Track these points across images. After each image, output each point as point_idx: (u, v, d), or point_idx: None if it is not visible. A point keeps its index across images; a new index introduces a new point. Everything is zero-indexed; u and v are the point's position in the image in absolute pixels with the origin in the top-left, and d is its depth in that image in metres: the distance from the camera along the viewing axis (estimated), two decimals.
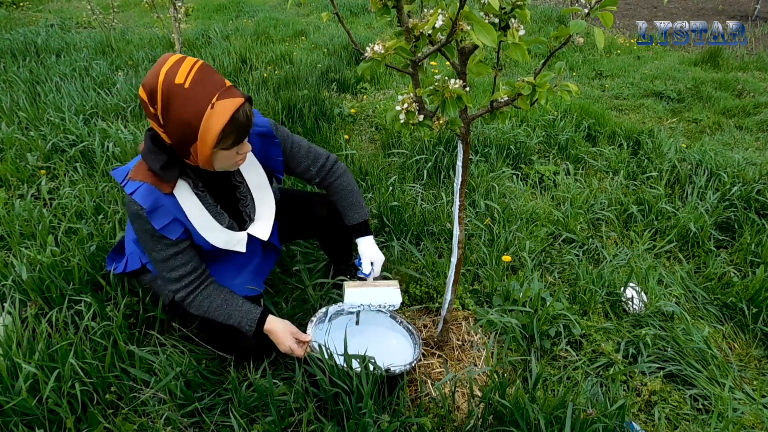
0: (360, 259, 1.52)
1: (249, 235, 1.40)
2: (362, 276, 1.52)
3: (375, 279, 1.52)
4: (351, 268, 1.75)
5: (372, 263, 1.51)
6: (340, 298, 1.64)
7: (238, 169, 1.36)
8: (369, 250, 1.51)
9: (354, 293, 1.43)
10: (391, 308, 1.46)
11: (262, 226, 1.42)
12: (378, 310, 1.52)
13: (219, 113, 1.07)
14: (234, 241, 1.36)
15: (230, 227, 1.35)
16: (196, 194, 1.27)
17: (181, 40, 3.82)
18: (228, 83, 1.12)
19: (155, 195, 1.19)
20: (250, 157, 1.36)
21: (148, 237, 1.23)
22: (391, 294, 1.45)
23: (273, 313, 1.40)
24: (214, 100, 1.07)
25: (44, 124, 2.82)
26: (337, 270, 1.76)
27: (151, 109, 1.09)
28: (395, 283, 1.47)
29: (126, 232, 1.51)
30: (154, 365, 1.39)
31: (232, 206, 1.37)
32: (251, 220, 1.42)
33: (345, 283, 1.46)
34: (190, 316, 1.41)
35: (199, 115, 1.07)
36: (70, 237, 1.83)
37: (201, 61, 1.10)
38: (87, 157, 2.50)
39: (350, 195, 1.52)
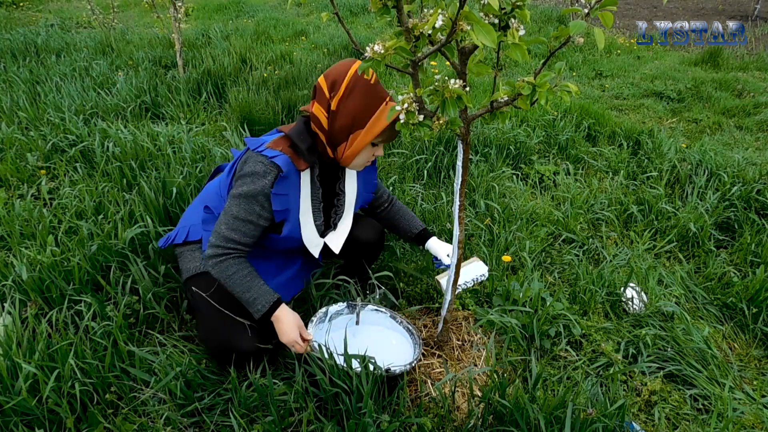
0: (435, 258, 1.68)
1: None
2: (444, 267, 1.67)
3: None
4: (368, 289, 1.77)
5: (448, 254, 1.63)
6: (340, 298, 1.64)
7: (344, 180, 1.52)
8: (441, 246, 1.67)
9: (445, 280, 1.53)
10: (482, 278, 1.63)
11: (337, 239, 1.56)
12: (377, 309, 1.53)
13: (389, 108, 1.28)
14: (314, 242, 1.49)
15: (318, 227, 1.48)
16: (312, 183, 1.42)
17: (181, 40, 3.81)
18: None
19: (291, 167, 1.34)
20: (353, 176, 1.54)
21: (247, 196, 1.31)
22: (477, 267, 1.61)
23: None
24: (388, 99, 1.30)
25: (44, 124, 2.82)
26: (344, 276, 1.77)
27: (327, 95, 1.27)
28: (475, 258, 1.62)
29: (194, 208, 1.59)
30: (154, 365, 1.39)
31: (327, 210, 1.52)
32: (334, 228, 1.55)
33: (437, 277, 1.65)
34: (194, 296, 1.44)
35: (376, 107, 1.28)
36: (70, 237, 1.83)
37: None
38: (87, 157, 2.50)
39: (408, 212, 1.76)
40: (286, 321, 1.32)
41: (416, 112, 1.00)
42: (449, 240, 1.90)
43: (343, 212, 1.55)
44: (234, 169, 1.42)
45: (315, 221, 1.46)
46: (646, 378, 1.56)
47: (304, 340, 1.35)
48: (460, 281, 1.57)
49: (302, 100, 3.22)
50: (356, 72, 1.25)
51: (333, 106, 1.27)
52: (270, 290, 1.35)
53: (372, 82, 1.26)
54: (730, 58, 5.71)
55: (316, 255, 1.52)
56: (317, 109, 1.30)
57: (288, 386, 1.38)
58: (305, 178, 1.39)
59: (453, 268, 1.37)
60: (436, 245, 1.67)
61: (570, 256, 2.06)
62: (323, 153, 1.37)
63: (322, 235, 1.52)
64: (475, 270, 1.65)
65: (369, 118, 1.27)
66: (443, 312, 1.51)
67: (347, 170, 1.51)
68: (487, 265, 1.61)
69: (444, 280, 1.60)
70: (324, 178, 1.46)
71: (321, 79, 1.28)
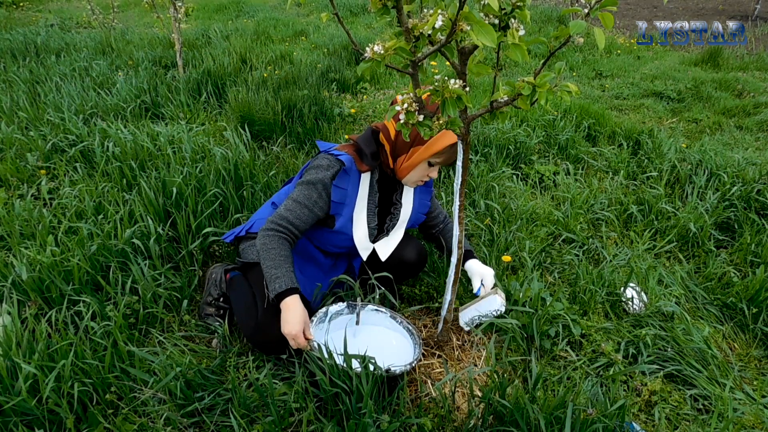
0: (473, 280, 1.68)
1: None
2: (477, 294, 1.66)
3: (488, 290, 1.66)
4: (361, 282, 1.77)
5: (482, 280, 1.66)
6: (346, 298, 1.64)
7: (401, 192, 1.61)
8: (478, 269, 1.68)
9: (469, 312, 1.62)
10: (498, 312, 1.60)
11: (387, 247, 1.62)
12: (378, 309, 1.53)
13: (450, 134, 1.38)
14: (364, 245, 1.57)
15: (372, 231, 1.57)
16: (371, 186, 1.53)
17: (181, 40, 3.81)
18: None
19: (353, 165, 1.48)
20: (409, 192, 1.63)
21: (309, 183, 1.45)
22: (492, 301, 1.59)
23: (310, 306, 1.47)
24: None
25: (44, 124, 2.82)
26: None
27: None
28: (494, 290, 1.62)
29: (264, 207, 1.71)
30: (154, 365, 1.39)
31: (382, 217, 1.61)
32: (387, 234, 1.63)
33: (460, 308, 1.66)
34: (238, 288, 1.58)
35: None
36: (70, 237, 1.83)
37: None
38: (87, 157, 2.50)
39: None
40: (293, 312, 1.32)
41: (416, 112, 1.00)
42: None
43: (397, 222, 1.63)
44: (304, 170, 1.56)
45: (369, 223, 1.55)
46: (646, 378, 1.56)
47: (306, 338, 1.35)
48: (475, 314, 1.60)
49: (302, 100, 3.22)
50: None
51: None
52: (294, 278, 1.38)
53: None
54: (730, 58, 5.71)
55: (365, 257, 1.58)
56: (390, 123, 1.45)
57: (288, 386, 1.38)
58: (365, 178, 1.51)
59: (453, 268, 1.37)
60: (475, 267, 1.68)
61: (570, 256, 2.06)
62: (384, 163, 1.50)
63: (374, 240, 1.59)
64: (489, 305, 1.60)
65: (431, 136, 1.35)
66: (443, 312, 1.51)
67: (405, 186, 1.61)
68: (503, 301, 1.60)
69: (462, 313, 1.63)
70: (383, 186, 1.58)
71: (398, 95, 1.38)
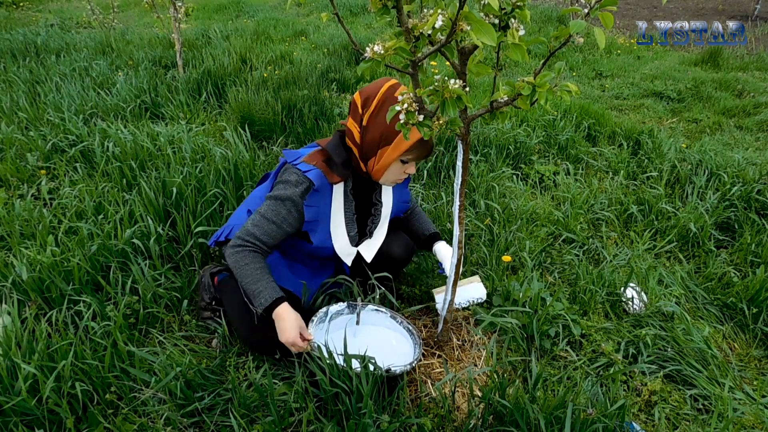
0: (441, 264, 1.65)
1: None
2: (445, 275, 1.62)
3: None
4: (368, 289, 1.76)
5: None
6: (342, 297, 1.64)
7: (382, 192, 1.56)
8: (448, 251, 1.65)
9: (442, 297, 1.53)
10: (479, 300, 1.57)
11: (371, 248, 1.58)
12: (378, 309, 1.53)
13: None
14: (346, 252, 1.52)
15: (353, 238, 1.52)
16: (345, 195, 1.46)
17: (181, 40, 3.81)
18: None
19: (323, 181, 1.40)
20: (389, 190, 1.58)
21: (277, 199, 1.38)
22: (475, 289, 1.57)
23: (301, 309, 1.45)
24: None
25: (44, 124, 2.82)
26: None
27: (360, 111, 1.34)
28: (476, 278, 1.58)
29: (240, 210, 1.63)
30: (154, 365, 1.39)
31: (363, 220, 1.56)
32: (370, 236, 1.58)
33: (433, 290, 1.62)
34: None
35: None
36: (70, 237, 1.83)
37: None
38: (87, 157, 2.50)
39: (424, 216, 1.79)
40: (287, 320, 1.32)
41: (416, 112, 1.00)
42: (449, 240, 1.89)
43: (379, 222, 1.59)
44: (275, 177, 1.50)
45: (349, 232, 1.50)
46: (646, 378, 1.56)
47: (304, 339, 1.35)
48: (456, 300, 1.57)
49: (302, 100, 3.22)
50: (388, 89, 1.31)
51: (365, 122, 1.33)
52: (276, 288, 1.35)
53: None
54: (730, 58, 5.71)
55: (349, 263, 1.55)
56: (351, 124, 1.37)
57: (288, 386, 1.38)
58: (338, 190, 1.44)
59: (453, 268, 1.37)
60: (443, 249, 1.66)
61: (570, 256, 2.06)
62: (357, 167, 1.43)
63: (357, 243, 1.55)
64: (472, 291, 1.63)
65: (396, 134, 1.31)
66: (443, 312, 1.51)
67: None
68: (486, 288, 1.58)
69: (440, 296, 1.61)
70: (359, 190, 1.51)
71: (356, 95, 1.35)
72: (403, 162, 1.39)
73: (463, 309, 1.66)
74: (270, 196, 1.40)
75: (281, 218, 1.38)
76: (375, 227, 1.59)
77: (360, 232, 1.56)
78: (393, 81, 1.34)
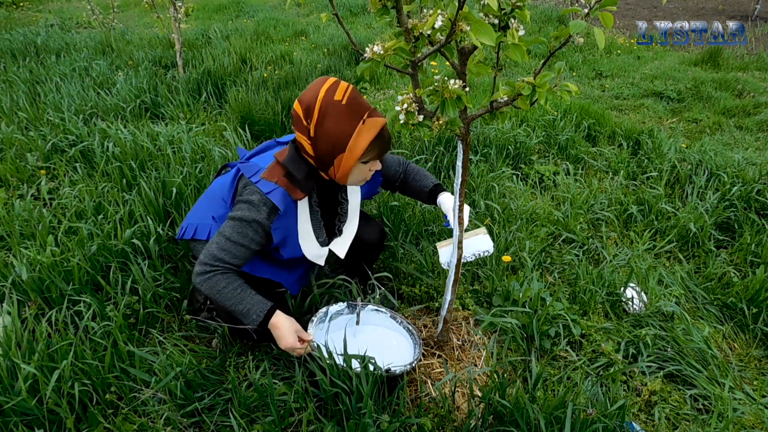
0: (446, 216, 1.56)
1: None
2: (450, 227, 1.54)
3: (465, 230, 1.55)
4: (368, 289, 1.77)
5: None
6: (342, 297, 1.64)
7: (347, 189, 1.51)
8: (451, 201, 1.57)
9: (447, 251, 1.48)
10: (486, 254, 1.51)
11: (343, 245, 1.55)
12: (378, 309, 1.53)
13: (369, 128, 1.24)
14: (317, 255, 1.49)
15: (322, 243, 1.48)
16: (311, 208, 1.41)
17: (181, 40, 3.81)
18: (371, 106, 1.27)
19: (287, 200, 1.32)
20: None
21: (242, 221, 1.30)
22: (481, 241, 1.50)
23: (289, 310, 1.44)
24: (365, 116, 1.24)
25: (44, 124, 2.82)
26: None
27: (304, 122, 1.24)
28: (482, 230, 1.53)
29: (201, 207, 1.56)
30: (154, 365, 1.39)
31: (330, 220, 1.51)
32: (339, 234, 1.55)
33: (437, 244, 1.54)
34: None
35: (352, 129, 1.22)
36: (70, 237, 1.83)
37: (352, 86, 1.25)
38: (87, 157, 2.50)
39: (421, 170, 1.68)
40: (283, 327, 1.31)
41: (416, 113, 1.00)
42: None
43: (347, 218, 1.55)
44: (236, 183, 1.40)
45: (318, 238, 1.47)
46: (646, 378, 1.56)
47: (303, 341, 1.35)
48: (465, 254, 1.49)
49: None
50: (326, 93, 1.21)
51: (312, 133, 1.24)
52: (262, 299, 1.32)
53: (344, 102, 1.21)
54: (730, 58, 5.71)
55: (322, 264, 1.53)
56: (299, 137, 1.28)
57: (288, 386, 1.38)
58: (303, 205, 1.39)
59: (453, 268, 1.37)
60: (447, 201, 1.57)
61: (570, 256, 2.06)
62: (318, 174, 1.36)
63: (328, 243, 1.52)
64: (479, 244, 1.54)
65: (347, 140, 1.23)
66: (443, 312, 1.51)
67: None
68: (492, 242, 1.50)
69: (443, 250, 1.52)
70: (324, 195, 1.46)
71: (296, 105, 1.26)
72: (365, 162, 1.31)
73: (471, 261, 1.54)
74: (234, 217, 1.31)
75: (248, 240, 1.31)
76: (344, 225, 1.55)
77: (329, 232, 1.52)
78: (329, 82, 1.24)
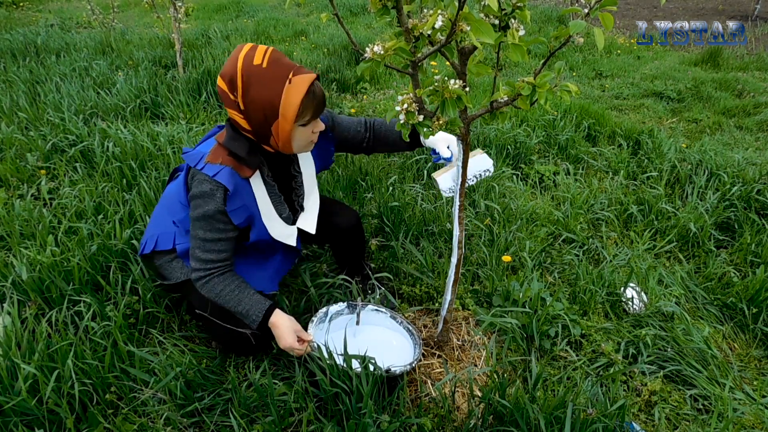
0: (434, 151, 1.52)
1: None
2: (442, 162, 1.51)
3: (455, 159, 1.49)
4: (362, 281, 1.76)
5: (448, 146, 1.51)
6: (342, 297, 1.64)
7: (298, 159, 1.44)
8: (440, 136, 1.51)
9: (446, 178, 1.43)
10: (487, 174, 1.45)
11: (310, 219, 1.50)
12: (378, 309, 1.54)
13: (297, 87, 1.17)
14: (286, 234, 1.44)
15: (286, 219, 1.43)
16: (266, 182, 1.36)
17: (181, 40, 3.81)
18: (298, 63, 1.20)
19: (236, 178, 1.27)
20: (306, 154, 1.46)
21: (207, 216, 1.27)
22: (481, 161, 1.45)
23: (282, 309, 1.42)
24: (290, 75, 1.17)
25: (44, 124, 2.82)
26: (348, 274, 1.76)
27: (231, 96, 1.18)
28: (478, 150, 1.47)
29: (158, 215, 1.51)
30: (154, 365, 1.39)
31: (288, 195, 1.45)
32: (302, 209, 1.49)
33: (433, 174, 1.45)
34: (198, 301, 1.42)
35: (279, 91, 1.16)
36: (70, 237, 1.83)
37: (272, 48, 1.19)
38: (87, 157, 2.50)
39: (390, 123, 1.59)
40: (282, 326, 1.31)
41: (416, 113, 1.00)
42: (449, 240, 1.89)
43: (304, 191, 1.49)
44: (186, 179, 1.38)
45: (281, 215, 1.42)
46: (646, 378, 1.56)
47: (303, 341, 1.35)
48: (468, 176, 1.42)
49: None
50: (244, 60, 1.15)
51: (241, 105, 1.19)
52: (261, 298, 1.33)
53: (265, 65, 1.15)
54: (730, 58, 5.71)
55: (293, 243, 1.47)
56: (231, 113, 1.22)
57: (288, 386, 1.38)
58: (256, 181, 1.33)
59: (453, 269, 1.37)
60: (433, 137, 1.48)
61: (570, 256, 2.06)
62: (263, 149, 1.32)
63: (293, 221, 1.48)
64: (479, 164, 1.47)
65: (278, 105, 1.17)
66: (443, 312, 1.51)
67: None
68: (491, 159, 1.43)
69: (441, 177, 1.44)
70: (276, 168, 1.40)
71: (219, 81, 1.19)
72: (304, 125, 1.25)
73: (474, 182, 1.48)
74: (196, 216, 1.28)
75: (221, 231, 1.30)
76: (302, 199, 1.49)
77: (291, 208, 1.47)
78: (246, 48, 1.18)
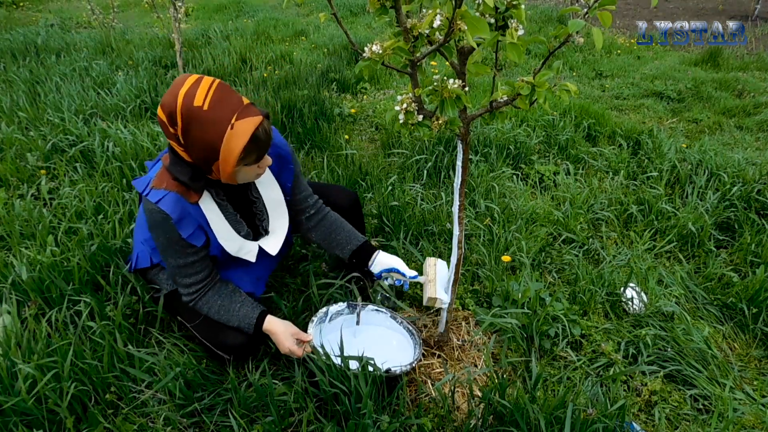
0: (398, 270, 1.51)
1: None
2: (416, 280, 1.52)
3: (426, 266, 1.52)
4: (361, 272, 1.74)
5: (405, 275, 1.50)
6: (342, 297, 1.64)
7: (255, 185, 1.38)
8: (394, 258, 1.52)
9: (438, 289, 1.43)
10: (450, 279, 1.43)
11: (274, 242, 1.44)
12: (378, 309, 1.54)
13: (239, 134, 1.09)
14: (245, 250, 1.38)
15: (246, 236, 1.37)
16: (218, 203, 1.29)
17: (181, 40, 3.81)
18: (246, 101, 1.13)
19: (182, 204, 1.21)
20: (268, 174, 1.39)
21: (169, 244, 1.25)
22: (442, 267, 1.50)
23: (281, 311, 1.42)
24: (233, 120, 1.09)
25: (44, 124, 2.82)
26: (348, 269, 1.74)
27: (171, 130, 1.11)
28: (433, 260, 1.51)
29: (135, 233, 1.51)
30: (154, 365, 1.39)
31: (249, 219, 1.40)
32: (267, 233, 1.44)
33: (426, 303, 1.44)
34: (189, 313, 1.41)
35: (220, 136, 1.09)
36: (70, 237, 1.83)
37: (218, 81, 1.11)
38: (87, 157, 2.50)
39: (345, 225, 1.56)
40: (278, 332, 1.32)
41: (415, 112, 1.00)
42: (449, 240, 1.89)
43: (268, 216, 1.43)
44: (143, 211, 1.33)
45: (240, 233, 1.35)
46: (647, 378, 1.56)
47: (303, 342, 1.35)
48: (442, 285, 1.45)
49: (302, 100, 3.22)
50: (185, 99, 1.07)
51: (181, 140, 1.12)
52: (249, 311, 1.33)
53: (206, 107, 1.07)
54: (730, 58, 5.71)
55: (253, 260, 1.40)
56: (173, 144, 1.15)
57: (288, 386, 1.38)
58: (206, 204, 1.26)
59: (453, 269, 1.37)
60: (387, 259, 1.51)
61: (570, 256, 2.06)
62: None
63: (255, 237, 1.42)
64: (442, 270, 1.52)
65: (219, 147, 1.10)
66: (443, 312, 1.51)
67: None
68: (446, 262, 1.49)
69: (437, 292, 1.43)
70: (230, 190, 1.33)
71: (159, 110, 1.11)
72: (249, 164, 1.18)
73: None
74: (162, 246, 1.26)
75: (190, 255, 1.27)
76: (267, 224, 1.43)
77: (251, 225, 1.40)
78: (189, 83, 1.09)
